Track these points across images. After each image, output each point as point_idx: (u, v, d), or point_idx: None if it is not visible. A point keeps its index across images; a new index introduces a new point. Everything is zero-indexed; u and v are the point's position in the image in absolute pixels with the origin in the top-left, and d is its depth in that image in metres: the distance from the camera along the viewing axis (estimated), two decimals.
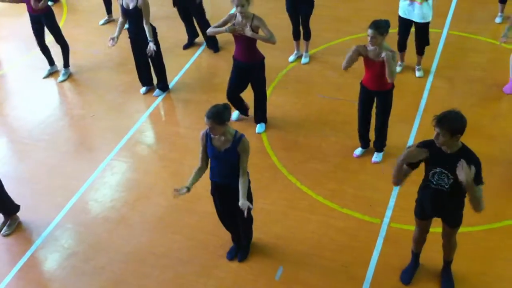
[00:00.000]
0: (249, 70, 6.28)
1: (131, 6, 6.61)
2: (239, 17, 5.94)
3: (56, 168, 6.39)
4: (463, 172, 3.88)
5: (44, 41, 7.52)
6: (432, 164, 4.21)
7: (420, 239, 4.81)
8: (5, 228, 5.75)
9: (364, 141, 6.21)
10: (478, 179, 3.99)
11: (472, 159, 4.01)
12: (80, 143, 6.74)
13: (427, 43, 7.15)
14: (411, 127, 6.55)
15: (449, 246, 4.70)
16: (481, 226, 4.99)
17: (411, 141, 6.37)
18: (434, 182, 4.26)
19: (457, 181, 4.03)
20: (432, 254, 4.98)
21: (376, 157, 6.19)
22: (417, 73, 7.31)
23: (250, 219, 5.09)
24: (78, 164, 6.44)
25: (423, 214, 4.60)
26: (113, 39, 6.70)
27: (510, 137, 6.33)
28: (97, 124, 7.00)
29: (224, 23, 6.03)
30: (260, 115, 6.66)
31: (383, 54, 5.31)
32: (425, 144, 4.18)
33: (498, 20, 8.29)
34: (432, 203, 4.44)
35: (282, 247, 5.36)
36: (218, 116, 4.39)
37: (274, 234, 5.48)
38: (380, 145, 6.16)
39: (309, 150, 6.42)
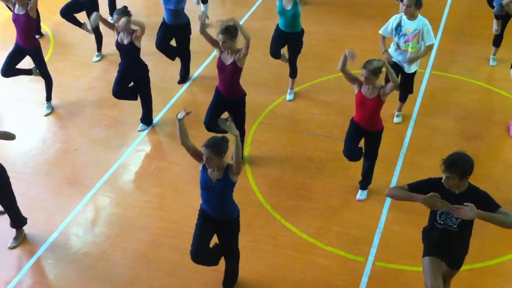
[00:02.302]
0: (229, 104, 6.30)
1: (125, 42, 6.68)
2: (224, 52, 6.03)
3: (38, 201, 6.31)
4: (464, 214, 3.94)
5: (12, 68, 7.43)
6: None
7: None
8: (12, 240, 5.81)
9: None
10: (493, 206, 4.07)
11: (481, 195, 4.12)
12: (62, 177, 6.67)
13: (411, 92, 7.19)
14: (395, 166, 6.62)
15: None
16: (464, 266, 4.98)
17: (394, 179, 6.41)
18: (442, 223, 4.27)
19: (465, 221, 4.11)
20: None
21: (361, 194, 6.21)
22: (396, 119, 7.33)
23: (237, 256, 5.06)
24: (60, 198, 6.36)
25: (431, 250, 4.47)
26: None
27: (495, 177, 6.41)
28: (80, 158, 6.94)
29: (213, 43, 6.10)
30: None
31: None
32: (434, 183, 4.19)
33: (492, 63, 8.38)
34: (440, 244, 4.41)
35: (265, 285, 5.30)
36: (216, 146, 4.43)
37: (257, 272, 5.43)
38: (366, 184, 6.19)
39: (293, 187, 6.42)
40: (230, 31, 5.83)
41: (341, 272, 5.41)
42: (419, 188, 4.20)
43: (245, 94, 6.32)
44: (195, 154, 4.68)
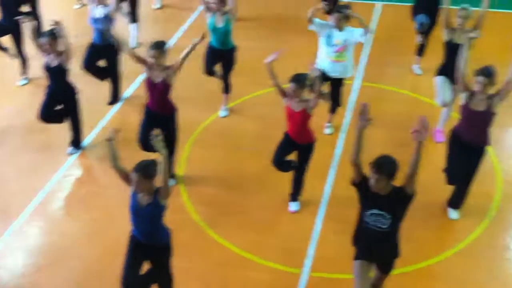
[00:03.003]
0: (160, 121, 6.20)
1: (54, 64, 6.52)
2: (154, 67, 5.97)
3: None
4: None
5: None
6: (369, 206, 4.34)
7: None
8: None
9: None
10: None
11: (406, 195, 4.28)
12: None
13: (339, 104, 7.30)
14: (327, 177, 6.69)
15: None
16: (396, 270, 5.06)
17: (327, 190, 6.49)
18: (371, 224, 4.35)
19: (395, 221, 4.27)
20: None
21: (293, 206, 6.24)
22: (327, 130, 7.44)
23: (169, 280, 4.97)
24: None
25: (361, 253, 4.57)
26: None
27: (422, 181, 6.53)
28: (7, 186, 6.69)
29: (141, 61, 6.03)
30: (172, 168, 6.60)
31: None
32: (364, 186, 4.33)
33: (418, 71, 8.67)
34: (369, 246, 4.50)
35: None
36: (145, 170, 4.35)
37: None
38: (296, 195, 6.23)
39: (229, 203, 6.39)
40: (161, 46, 5.79)
41: (277, 285, 5.40)
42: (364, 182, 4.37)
43: (176, 110, 6.26)
44: (126, 178, 4.58)
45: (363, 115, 4.41)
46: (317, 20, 6.79)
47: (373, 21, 10.22)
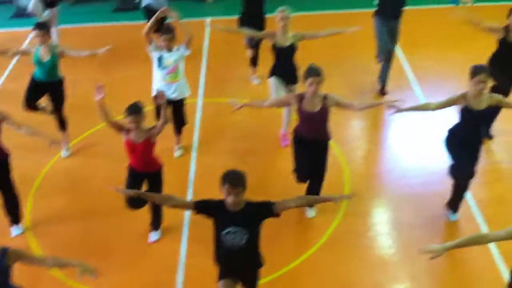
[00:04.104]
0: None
1: None
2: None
3: None
4: None
5: None
6: (223, 225, 4.27)
7: None
8: None
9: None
10: (269, 204, 4.32)
11: (260, 206, 4.30)
12: None
13: (185, 122, 7.25)
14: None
15: None
16: (263, 279, 5.10)
17: (187, 213, 6.37)
18: (229, 242, 4.28)
19: (252, 234, 4.27)
20: None
21: (154, 236, 6.06)
22: (176, 153, 7.36)
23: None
24: None
25: (223, 273, 4.52)
26: None
27: (273, 188, 6.74)
28: None
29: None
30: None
31: None
32: (213, 205, 4.29)
33: (255, 81, 8.90)
34: (230, 264, 4.44)
35: None
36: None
37: None
38: (157, 224, 6.06)
39: (87, 248, 6.02)
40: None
41: None
42: (205, 207, 4.33)
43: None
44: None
45: None
46: (154, 41, 6.70)
47: (206, 37, 10.36)
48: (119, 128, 5.51)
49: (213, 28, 8.08)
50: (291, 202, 4.40)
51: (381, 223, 6.40)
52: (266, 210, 4.31)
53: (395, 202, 6.64)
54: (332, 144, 7.33)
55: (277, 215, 4.34)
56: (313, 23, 10.48)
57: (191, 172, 7.05)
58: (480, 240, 4.16)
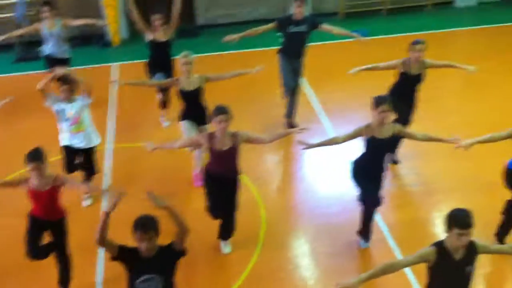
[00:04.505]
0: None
1: None
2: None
3: None
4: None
5: None
6: (138, 273, 4.18)
7: None
8: None
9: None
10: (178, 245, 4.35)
11: (175, 252, 4.32)
12: None
13: (95, 171, 7.06)
14: (96, 256, 6.27)
15: None
16: None
17: (100, 271, 6.11)
18: None
19: (167, 279, 4.25)
20: None
21: None
22: (86, 202, 7.14)
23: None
24: None
25: None
26: None
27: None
28: None
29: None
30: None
31: None
32: (128, 252, 4.21)
33: (165, 123, 8.83)
34: None
35: None
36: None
37: None
38: (65, 282, 5.76)
39: None
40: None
41: None
42: (125, 253, 4.26)
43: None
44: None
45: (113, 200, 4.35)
46: (52, 95, 6.50)
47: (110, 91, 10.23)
48: (16, 183, 5.30)
49: (120, 84, 7.95)
50: (178, 235, 4.38)
51: (300, 255, 6.43)
52: (175, 249, 4.32)
53: (312, 233, 6.72)
54: (246, 180, 7.41)
55: (183, 252, 4.37)
56: (219, 64, 10.66)
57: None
58: (392, 269, 4.24)
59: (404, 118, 7.22)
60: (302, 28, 7.93)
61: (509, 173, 5.90)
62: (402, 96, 7.12)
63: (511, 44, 11.44)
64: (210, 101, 7.02)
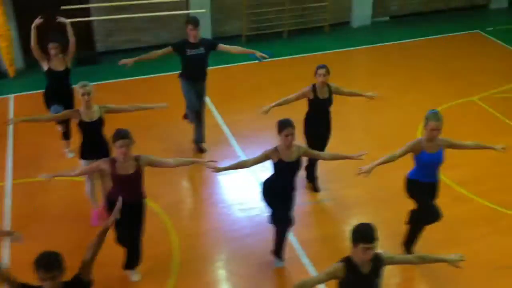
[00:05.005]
0: None
1: None
2: None
3: None
4: None
5: None
6: None
7: None
8: None
9: None
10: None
11: (77, 281, 4.15)
12: None
13: None
14: None
15: None
16: None
17: None
18: None
19: None
20: None
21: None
22: None
23: None
24: None
25: None
26: None
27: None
28: None
29: None
30: None
31: None
32: None
33: (69, 155, 8.48)
34: None
35: None
36: None
37: None
38: None
39: None
40: None
41: None
42: None
43: None
44: None
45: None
46: None
47: (10, 113, 9.72)
48: None
49: (15, 122, 7.49)
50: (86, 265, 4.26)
51: (216, 279, 6.35)
52: (82, 282, 4.17)
53: (227, 256, 6.67)
54: (156, 208, 7.24)
55: (90, 283, 4.24)
56: (123, 90, 10.44)
57: (3, 263, 6.37)
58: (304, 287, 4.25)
59: (323, 141, 7.45)
60: (200, 50, 7.94)
61: (409, 183, 6.16)
62: (319, 121, 7.33)
63: (403, 60, 12.10)
64: (109, 129, 6.80)
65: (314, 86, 7.16)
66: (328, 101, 7.26)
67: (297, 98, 7.21)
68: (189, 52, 7.90)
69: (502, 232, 7.01)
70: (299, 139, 6.25)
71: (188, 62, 8.00)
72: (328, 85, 7.19)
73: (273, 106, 7.11)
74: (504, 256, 6.60)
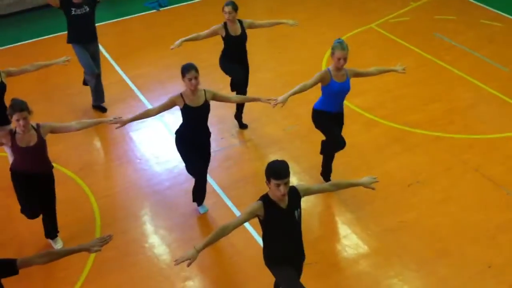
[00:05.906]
0: None
1: None
2: None
3: None
4: None
5: None
6: None
7: None
8: None
9: None
10: None
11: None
12: None
13: None
14: None
15: None
16: None
17: None
18: None
19: None
20: None
21: None
22: None
23: None
24: None
25: None
26: None
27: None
28: None
29: None
30: None
31: None
32: None
33: None
34: None
35: None
36: None
37: None
38: None
39: None
40: None
41: None
42: None
43: None
44: None
45: None
46: None
47: None
48: None
49: None
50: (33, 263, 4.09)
51: (143, 235, 6.27)
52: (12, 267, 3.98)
53: (150, 211, 6.59)
54: (68, 173, 7.00)
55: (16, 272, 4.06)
56: (21, 53, 9.81)
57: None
58: (226, 231, 4.24)
59: (242, 79, 7.35)
60: (85, 9, 7.56)
61: (315, 113, 6.29)
62: (235, 58, 7.22)
63: None
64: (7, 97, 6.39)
65: (225, 23, 7.05)
66: (241, 38, 7.17)
67: (208, 35, 7.09)
68: (74, 11, 7.51)
69: (410, 150, 7.37)
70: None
71: (74, 23, 7.60)
72: (240, 21, 7.10)
73: (184, 41, 6.95)
74: (414, 173, 6.97)
